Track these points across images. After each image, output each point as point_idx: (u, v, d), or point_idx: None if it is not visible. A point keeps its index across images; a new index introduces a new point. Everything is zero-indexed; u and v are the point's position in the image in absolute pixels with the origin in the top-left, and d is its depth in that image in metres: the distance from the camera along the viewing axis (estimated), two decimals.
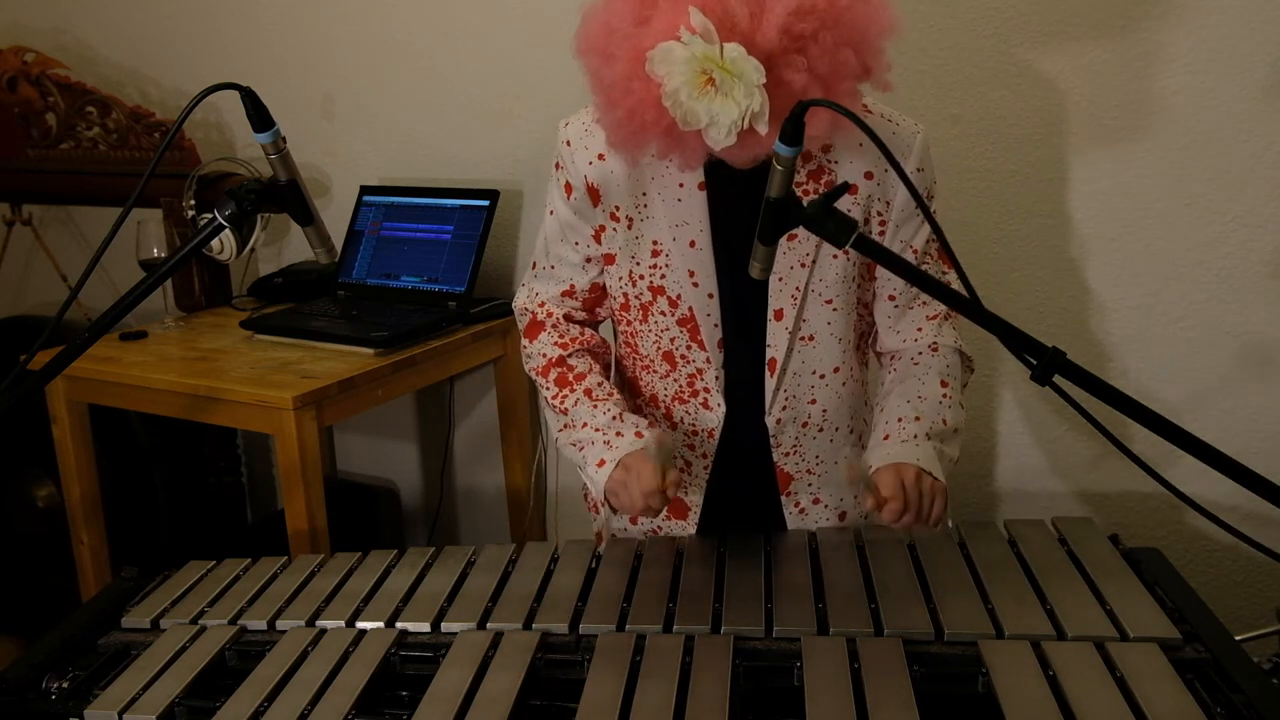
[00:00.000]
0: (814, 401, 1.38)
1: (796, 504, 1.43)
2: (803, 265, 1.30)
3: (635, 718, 1.02)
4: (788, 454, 1.40)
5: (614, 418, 1.32)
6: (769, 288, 1.31)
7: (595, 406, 1.34)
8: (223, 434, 2.68)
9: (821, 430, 1.40)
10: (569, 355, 1.40)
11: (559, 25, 2.14)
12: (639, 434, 1.29)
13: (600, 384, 1.37)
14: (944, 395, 1.32)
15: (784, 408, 1.36)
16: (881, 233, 1.33)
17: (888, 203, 1.31)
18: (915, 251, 1.35)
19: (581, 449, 1.32)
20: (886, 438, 1.28)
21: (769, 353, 1.34)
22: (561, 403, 1.37)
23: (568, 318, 1.43)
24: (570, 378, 1.38)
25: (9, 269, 2.95)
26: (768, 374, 1.35)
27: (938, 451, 1.26)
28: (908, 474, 1.20)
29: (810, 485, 1.43)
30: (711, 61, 1.06)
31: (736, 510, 1.43)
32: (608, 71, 1.14)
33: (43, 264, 2.90)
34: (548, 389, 1.39)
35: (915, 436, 1.26)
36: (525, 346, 1.44)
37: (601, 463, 1.29)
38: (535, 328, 1.43)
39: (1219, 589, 1.88)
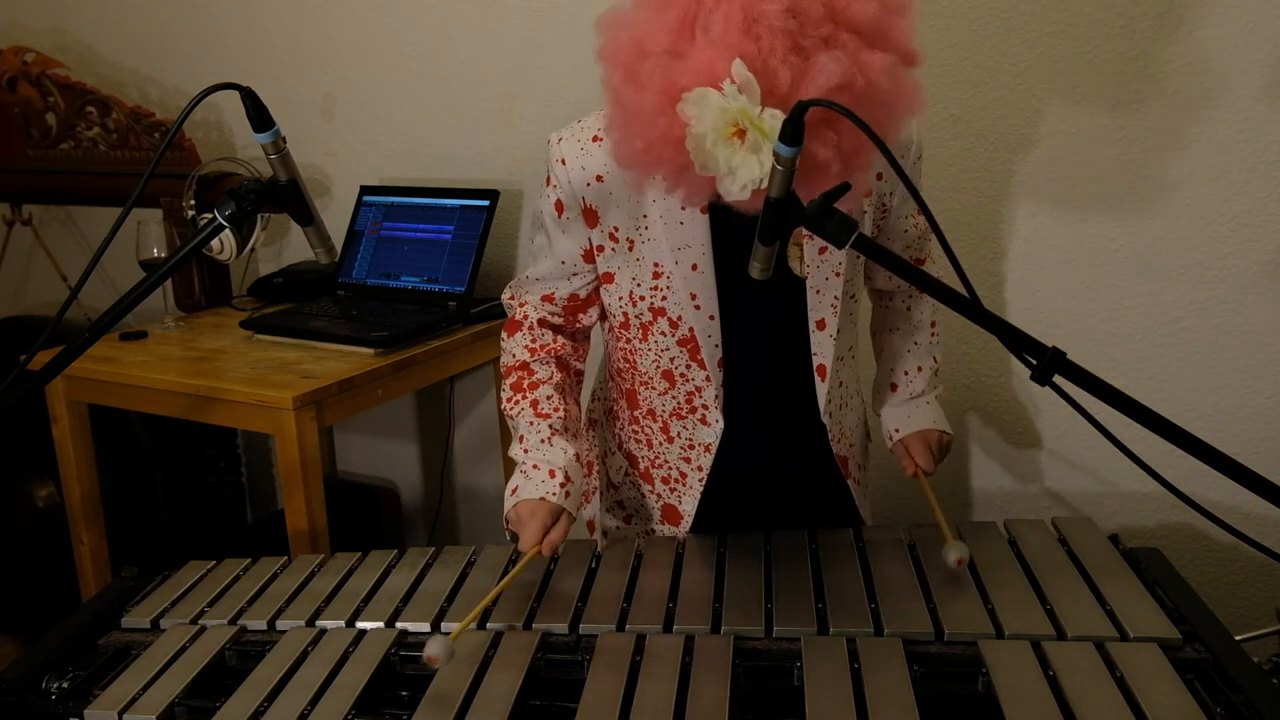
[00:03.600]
0: (842, 384, 1.44)
1: (856, 481, 1.51)
2: (837, 275, 1.33)
3: (635, 718, 1.03)
4: (837, 439, 1.45)
5: (543, 439, 1.35)
6: (808, 301, 1.34)
7: (532, 423, 1.36)
8: (223, 434, 2.68)
9: (845, 405, 1.47)
10: (533, 360, 1.42)
11: (559, 25, 2.16)
12: (552, 473, 1.31)
13: (550, 397, 1.39)
14: (932, 334, 1.53)
15: (829, 400, 1.41)
16: (888, 207, 1.39)
17: (892, 191, 1.37)
18: (917, 221, 1.44)
19: (514, 465, 1.36)
20: (895, 388, 1.53)
21: (816, 360, 1.38)
22: (510, 407, 1.40)
23: (543, 322, 1.44)
24: (525, 384, 1.40)
25: (9, 269, 2.95)
26: (818, 380, 1.39)
27: (940, 399, 1.53)
28: (932, 439, 1.49)
29: (854, 457, 1.51)
30: (748, 118, 1.04)
31: (733, 518, 1.44)
32: (634, 98, 1.11)
33: (43, 264, 2.90)
34: (504, 391, 1.42)
35: (923, 392, 1.52)
36: (503, 340, 1.47)
37: (514, 490, 1.33)
38: (513, 325, 1.46)
39: (1219, 589, 1.88)
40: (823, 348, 1.37)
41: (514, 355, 1.43)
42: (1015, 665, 1.07)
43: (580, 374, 1.50)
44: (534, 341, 1.43)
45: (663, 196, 1.29)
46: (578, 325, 1.46)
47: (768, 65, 1.04)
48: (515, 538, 1.31)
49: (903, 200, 1.39)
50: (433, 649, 1.08)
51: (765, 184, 1.05)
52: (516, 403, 1.39)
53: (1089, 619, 1.14)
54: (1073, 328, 1.89)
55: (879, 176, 1.33)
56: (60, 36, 2.79)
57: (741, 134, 1.05)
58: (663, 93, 1.08)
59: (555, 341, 1.44)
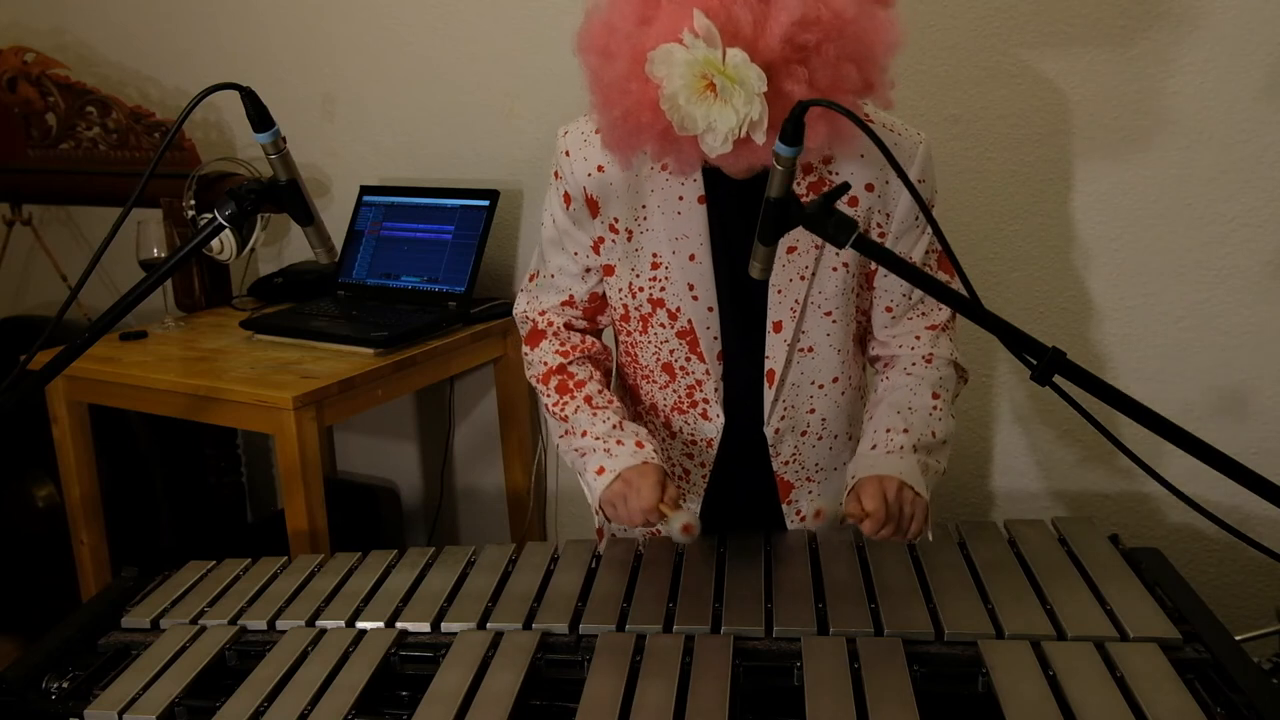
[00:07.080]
0: (813, 411, 1.37)
1: (798, 511, 1.43)
2: (802, 278, 1.30)
3: (635, 718, 1.03)
4: (787, 463, 1.40)
5: (614, 426, 1.31)
6: (768, 300, 1.30)
7: (595, 414, 1.33)
8: (223, 434, 2.68)
9: (821, 439, 1.40)
10: (569, 363, 1.39)
11: (559, 25, 2.16)
12: (639, 444, 1.28)
13: (600, 391, 1.37)
14: (934, 407, 1.31)
15: (782, 418, 1.36)
16: (884, 232, 1.32)
17: (888, 215, 1.30)
18: (914, 263, 1.32)
19: (583, 455, 1.32)
20: (873, 447, 1.28)
21: (767, 364, 1.33)
22: (562, 410, 1.36)
23: (568, 326, 1.43)
24: (570, 385, 1.37)
25: (9, 269, 2.95)
26: (766, 385, 1.34)
27: (922, 465, 1.25)
28: (890, 486, 1.19)
29: (810, 492, 1.42)
30: (713, 66, 1.05)
31: (735, 517, 1.43)
32: (606, 70, 1.13)
33: (43, 264, 2.90)
34: (549, 396, 1.38)
35: (901, 448, 1.25)
36: (526, 354, 1.44)
37: (601, 470, 1.27)
38: (536, 335, 1.43)
39: (1219, 589, 1.88)
40: (775, 352, 1.32)
41: (545, 363, 1.40)
42: (1015, 665, 1.07)
43: (609, 375, 1.47)
44: (563, 345, 1.41)
45: (661, 186, 1.29)
46: (600, 326, 1.46)
47: (730, 13, 1.05)
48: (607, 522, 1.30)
49: (900, 233, 1.31)
50: (688, 518, 1.16)
51: (746, 131, 1.07)
52: (566, 404, 1.36)
53: (1089, 619, 1.14)
54: (1073, 328, 1.89)
55: (869, 187, 1.28)
56: (60, 36, 2.79)
57: (712, 87, 1.07)
58: (633, 60, 1.10)
59: (584, 341, 1.42)
